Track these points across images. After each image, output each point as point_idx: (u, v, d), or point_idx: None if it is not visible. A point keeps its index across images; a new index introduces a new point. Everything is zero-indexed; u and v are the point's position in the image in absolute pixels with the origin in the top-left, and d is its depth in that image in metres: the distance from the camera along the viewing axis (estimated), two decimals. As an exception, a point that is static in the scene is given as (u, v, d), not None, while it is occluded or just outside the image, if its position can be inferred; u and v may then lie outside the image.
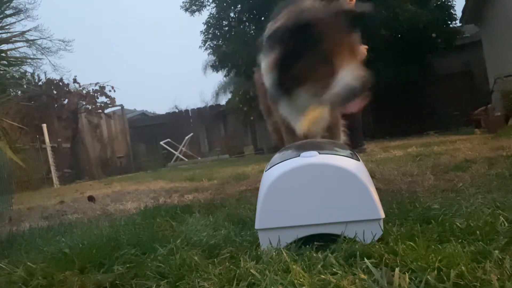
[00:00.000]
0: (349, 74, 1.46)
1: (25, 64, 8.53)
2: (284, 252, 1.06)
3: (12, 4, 6.91)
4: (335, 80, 1.46)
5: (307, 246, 1.13)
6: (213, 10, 10.52)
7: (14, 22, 7.17)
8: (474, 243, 1.02)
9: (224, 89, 18.68)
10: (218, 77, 24.34)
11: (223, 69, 10.85)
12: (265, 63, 1.66)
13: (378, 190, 1.30)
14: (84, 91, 11.75)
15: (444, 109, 10.55)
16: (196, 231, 1.49)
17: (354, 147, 4.65)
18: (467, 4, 9.35)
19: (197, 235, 1.42)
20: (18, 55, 6.70)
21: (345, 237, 1.13)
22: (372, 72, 1.44)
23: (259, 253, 1.14)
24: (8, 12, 6.53)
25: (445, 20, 9.41)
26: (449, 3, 9.52)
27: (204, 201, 2.46)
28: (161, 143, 13.60)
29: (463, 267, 0.85)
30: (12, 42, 6.35)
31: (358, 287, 0.84)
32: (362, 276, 0.87)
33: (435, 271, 0.86)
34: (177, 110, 16.16)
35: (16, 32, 6.71)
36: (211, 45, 10.63)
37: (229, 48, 9.79)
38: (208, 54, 11.04)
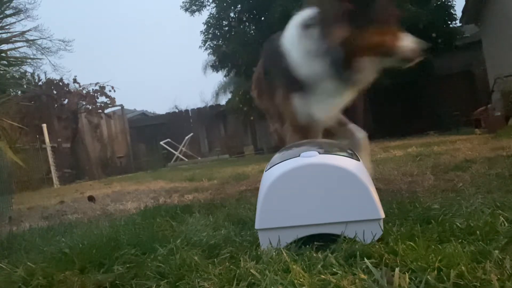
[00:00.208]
0: (409, 39, 1.61)
1: (25, 64, 8.53)
2: (284, 252, 1.06)
3: (12, 4, 6.92)
4: (399, 46, 1.59)
5: (307, 246, 1.13)
6: (213, 10, 10.52)
7: (14, 22, 7.17)
8: (474, 243, 1.02)
9: (224, 89, 18.69)
10: (218, 77, 24.35)
11: (223, 69, 10.85)
12: (326, 41, 1.58)
13: (378, 190, 1.30)
14: (84, 91, 11.76)
15: (444, 109, 10.55)
16: (196, 231, 1.49)
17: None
18: (467, 4, 9.35)
19: (197, 235, 1.42)
20: (18, 55, 6.70)
21: (345, 237, 1.13)
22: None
23: (259, 253, 1.14)
24: (8, 12, 6.53)
25: (445, 20, 9.40)
26: (449, 3, 9.51)
27: (204, 201, 2.46)
28: (161, 143, 13.60)
29: (463, 267, 0.85)
30: (12, 42, 6.36)
31: (358, 287, 0.84)
32: (362, 276, 0.87)
33: (435, 271, 0.86)
34: (177, 110, 16.18)
35: (16, 32, 6.72)
36: (211, 45, 10.63)
37: (229, 48, 9.78)
38: (208, 54, 11.05)
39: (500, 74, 7.36)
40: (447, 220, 1.25)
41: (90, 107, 11.95)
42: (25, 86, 9.37)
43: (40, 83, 11.24)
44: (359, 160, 1.30)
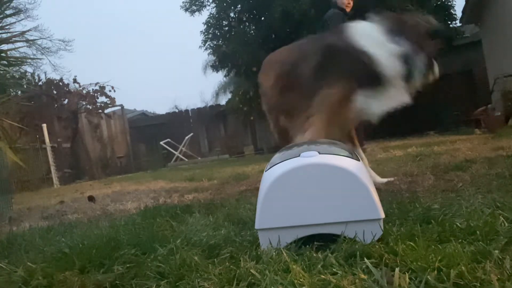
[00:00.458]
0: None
1: (25, 64, 8.53)
2: (284, 252, 1.06)
3: (12, 4, 6.91)
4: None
5: (307, 246, 1.13)
6: (213, 10, 10.52)
7: (14, 22, 7.17)
8: (474, 243, 1.02)
9: (224, 89, 18.67)
10: (218, 77, 24.33)
11: (223, 69, 10.85)
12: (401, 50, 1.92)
13: (378, 190, 1.30)
14: (84, 91, 11.75)
15: (444, 109, 10.54)
16: (196, 231, 1.49)
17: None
18: (467, 4, 9.35)
19: (197, 235, 1.42)
20: (18, 55, 6.70)
21: (345, 237, 1.13)
22: None
23: (259, 253, 1.14)
24: (8, 12, 6.53)
25: (445, 20, 9.40)
26: (449, 3, 9.51)
27: (204, 201, 2.46)
28: (161, 143, 13.59)
29: (463, 267, 0.85)
30: (12, 42, 6.35)
31: (358, 287, 0.84)
32: (362, 276, 0.87)
33: (435, 271, 0.86)
34: (177, 110, 16.15)
35: (16, 32, 6.71)
36: (211, 45, 10.63)
37: (229, 48, 9.78)
38: (208, 54, 11.04)
39: (500, 74, 7.36)
40: (447, 220, 1.25)
41: (90, 107, 11.94)
42: (25, 86, 9.36)
43: (40, 83, 11.23)
44: (359, 160, 1.30)
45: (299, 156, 1.23)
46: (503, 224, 1.14)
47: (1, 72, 5.78)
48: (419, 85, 2.09)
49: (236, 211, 1.81)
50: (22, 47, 9.90)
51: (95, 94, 11.86)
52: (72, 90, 11.64)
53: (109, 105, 12.38)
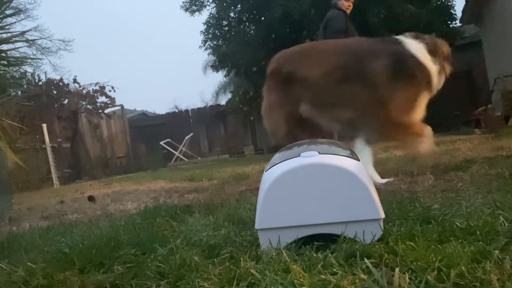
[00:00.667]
0: None
1: (25, 64, 8.53)
2: (284, 252, 1.06)
3: (12, 4, 6.92)
4: None
5: (307, 246, 1.13)
6: (213, 10, 10.52)
7: (14, 22, 7.15)
8: (474, 243, 1.02)
9: (224, 89, 18.67)
10: (218, 77, 24.32)
11: (223, 69, 10.85)
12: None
13: (378, 190, 1.30)
14: (84, 91, 11.75)
15: (444, 109, 10.54)
16: (196, 231, 1.49)
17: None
18: (467, 4, 9.34)
19: (197, 235, 1.42)
20: (18, 55, 6.70)
21: (345, 237, 1.13)
22: None
23: (259, 253, 1.14)
24: (8, 12, 6.53)
25: (445, 20, 9.40)
26: (449, 3, 9.51)
27: (204, 201, 2.46)
28: (161, 143, 13.59)
29: (463, 267, 0.85)
30: (12, 42, 6.35)
31: (358, 287, 0.84)
32: (362, 276, 0.87)
33: (435, 271, 0.86)
34: (177, 110, 16.16)
35: (16, 32, 6.71)
36: (211, 45, 10.63)
37: (229, 48, 9.78)
38: (208, 54, 11.05)
39: (500, 74, 7.36)
40: (447, 220, 1.25)
41: (90, 107, 11.94)
42: (25, 86, 9.36)
43: (40, 83, 11.23)
44: (359, 160, 1.30)
45: (299, 156, 1.23)
46: (503, 224, 1.14)
47: (1, 72, 5.79)
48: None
49: (236, 211, 1.81)
50: (22, 47, 9.88)
51: (95, 94, 11.86)
52: (72, 90, 11.64)
53: (109, 105, 12.39)
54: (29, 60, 9.25)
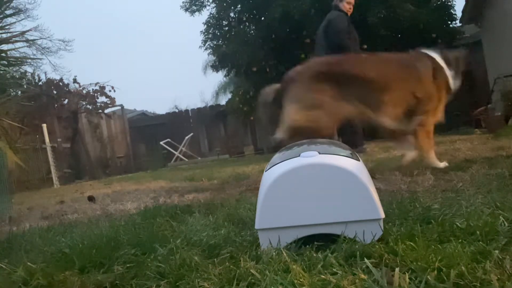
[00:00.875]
0: None
1: (25, 64, 8.53)
2: (284, 252, 1.06)
3: (12, 4, 6.92)
4: None
5: (307, 246, 1.13)
6: (213, 10, 10.52)
7: (14, 22, 7.16)
8: (474, 243, 1.02)
9: (224, 89, 18.68)
10: (218, 77, 24.34)
11: (223, 69, 10.85)
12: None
13: (378, 190, 1.31)
14: (84, 91, 11.75)
15: (444, 109, 10.53)
16: (196, 231, 1.49)
17: (355, 147, 4.72)
18: (467, 4, 9.34)
19: (197, 235, 1.42)
20: (18, 55, 6.70)
21: (345, 237, 1.13)
22: None
23: (259, 253, 1.14)
24: (8, 12, 6.53)
25: (445, 20, 9.40)
26: (449, 3, 9.50)
27: (204, 201, 2.46)
28: (161, 143, 13.59)
29: (463, 267, 0.85)
30: (12, 42, 6.36)
31: (358, 287, 0.84)
32: (362, 276, 0.87)
33: (435, 271, 0.86)
34: (177, 110, 16.16)
35: (16, 32, 6.72)
36: (211, 45, 10.63)
37: (229, 48, 9.78)
38: (208, 54, 11.04)
39: (500, 74, 7.36)
40: (447, 220, 1.25)
41: (90, 107, 11.94)
42: (25, 86, 9.36)
43: (40, 83, 11.23)
44: (359, 160, 1.30)
45: (299, 156, 1.23)
46: (503, 224, 1.14)
47: (1, 72, 5.79)
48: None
49: (236, 211, 1.81)
50: (22, 47, 9.87)
51: (95, 94, 11.86)
52: (72, 90, 11.64)
53: (109, 105, 12.38)
54: (29, 60, 9.26)
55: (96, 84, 11.82)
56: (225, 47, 10.03)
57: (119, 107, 13.34)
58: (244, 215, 1.68)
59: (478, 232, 1.08)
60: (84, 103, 11.87)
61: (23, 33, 7.30)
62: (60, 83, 11.41)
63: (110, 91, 11.96)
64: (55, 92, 11.34)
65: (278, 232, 1.16)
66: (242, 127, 13.56)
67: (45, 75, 11.55)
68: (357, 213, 1.14)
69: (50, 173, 9.28)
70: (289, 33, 9.33)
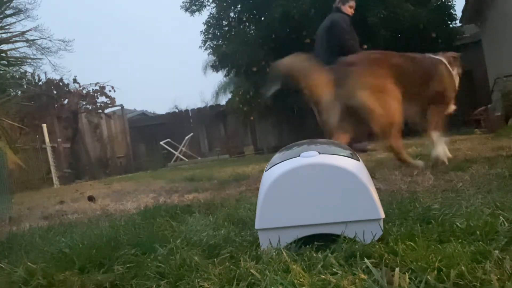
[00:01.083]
0: None
1: (25, 64, 8.53)
2: (284, 252, 1.06)
3: (12, 4, 6.92)
4: None
5: (307, 246, 1.13)
6: (213, 10, 10.52)
7: (14, 22, 7.16)
8: (474, 243, 1.02)
9: (224, 89, 18.68)
10: (218, 77, 24.36)
11: (223, 69, 10.85)
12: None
13: (378, 190, 1.31)
14: (84, 91, 11.75)
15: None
16: (196, 231, 1.49)
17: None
18: (467, 4, 9.34)
19: (197, 235, 1.42)
20: (18, 55, 6.70)
21: (345, 237, 1.13)
22: None
23: (259, 253, 1.14)
24: (8, 12, 6.53)
25: (445, 20, 9.40)
26: (449, 3, 9.50)
27: (204, 201, 2.46)
28: (161, 143, 13.59)
29: (463, 267, 0.85)
30: (12, 42, 6.36)
31: (358, 287, 0.84)
32: (362, 276, 0.87)
33: (435, 271, 0.86)
34: (177, 110, 16.16)
35: (16, 32, 6.72)
36: (211, 45, 10.63)
37: (229, 48, 9.78)
38: (208, 54, 11.05)
39: (500, 74, 7.36)
40: (447, 220, 1.25)
41: (90, 107, 11.94)
42: (25, 86, 9.36)
43: (40, 83, 11.23)
44: (359, 160, 1.30)
45: (299, 156, 1.23)
46: (503, 224, 1.14)
47: (1, 72, 5.79)
48: None
49: (236, 211, 1.81)
50: (22, 47, 9.88)
51: (95, 94, 11.86)
52: (72, 90, 11.64)
53: (109, 105, 12.38)
54: (29, 60, 9.26)
55: (96, 84, 11.83)
56: (225, 47, 10.03)
57: (119, 107, 13.34)
58: (244, 215, 1.68)
59: (478, 232, 1.08)
60: (84, 103, 11.86)
61: (23, 33, 7.30)
62: (60, 83, 11.41)
63: (110, 91, 11.97)
64: (55, 92, 11.33)
65: (278, 232, 1.16)
66: (242, 127, 13.56)
67: (45, 75, 11.57)
68: (357, 213, 1.14)
69: (50, 173, 9.28)
70: (289, 33, 9.33)
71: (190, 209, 2.09)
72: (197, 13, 10.66)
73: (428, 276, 0.83)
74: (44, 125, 9.58)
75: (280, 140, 12.49)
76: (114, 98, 12.19)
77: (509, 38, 7.43)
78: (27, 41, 8.36)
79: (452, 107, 3.15)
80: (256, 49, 9.56)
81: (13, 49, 6.37)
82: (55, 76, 12.80)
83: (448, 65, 3.03)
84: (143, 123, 15.63)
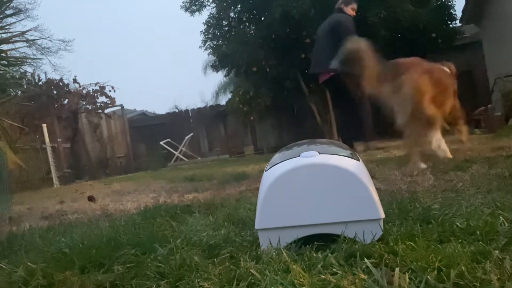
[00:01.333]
0: None
1: (25, 64, 8.52)
2: (284, 252, 1.06)
3: (12, 4, 6.92)
4: None
5: (307, 246, 1.13)
6: (213, 10, 10.51)
7: (14, 22, 7.15)
8: (474, 243, 1.02)
9: (224, 89, 18.68)
10: (218, 77, 24.38)
11: (223, 69, 10.85)
12: None
13: (378, 190, 1.31)
14: (84, 91, 11.75)
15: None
16: (196, 231, 1.49)
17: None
18: (467, 4, 9.34)
19: (197, 235, 1.42)
20: (18, 55, 6.70)
21: (345, 237, 1.13)
22: None
23: (259, 253, 1.14)
24: (8, 12, 6.53)
25: (445, 20, 9.39)
26: (449, 3, 9.49)
27: (204, 201, 2.46)
28: (161, 143, 13.59)
29: (463, 267, 0.85)
30: (12, 42, 6.36)
31: (358, 287, 0.84)
32: (362, 276, 0.87)
33: (435, 271, 0.86)
34: (177, 110, 16.14)
35: (16, 32, 6.72)
36: (211, 45, 10.62)
37: (229, 48, 9.78)
38: (208, 54, 11.04)
39: (500, 74, 7.36)
40: (447, 220, 1.25)
41: (90, 107, 11.94)
42: (25, 86, 9.35)
43: (40, 83, 11.22)
44: (359, 160, 1.30)
45: (299, 156, 1.23)
46: (503, 224, 1.14)
47: (1, 72, 5.78)
48: None
49: (236, 211, 1.81)
50: (22, 47, 9.88)
51: (95, 94, 11.86)
52: (72, 90, 11.63)
53: (109, 105, 12.38)
54: (29, 60, 9.25)
55: (96, 84, 11.83)
56: (225, 47, 10.02)
57: (119, 107, 13.34)
58: (244, 215, 1.68)
59: (478, 232, 1.08)
60: (84, 103, 11.86)
61: (23, 33, 7.29)
62: (60, 83, 11.40)
63: (110, 91, 11.97)
64: (55, 92, 11.33)
65: (278, 232, 1.16)
66: (242, 127, 13.57)
67: (45, 75, 11.56)
68: (357, 213, 1.14)
69: (50, 173, 9.28)
70: (289, 33, 9.33)
71: (190, 209, 2.09)
72: (197, 13, 10.65)
73: (428, 276, 0.83)
74: (44, 125, 9.58)
75: (280, 140, 12.50)
76: (114, 98, 12.20)
77: (509, 38, 7.43)
78: (27, 41, 8.35)
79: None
80: (256, 49, 9.56)
81: (13, 49, 6.37)
82: (55, 76, 12.82)
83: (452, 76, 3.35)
84: (143, 123, 15.63)
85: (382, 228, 1.15)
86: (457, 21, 9.85)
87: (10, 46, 6.20)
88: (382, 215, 1.14)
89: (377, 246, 1.05)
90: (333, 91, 5.70)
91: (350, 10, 5.16)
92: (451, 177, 2.16)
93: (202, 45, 10.68)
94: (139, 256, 1.25)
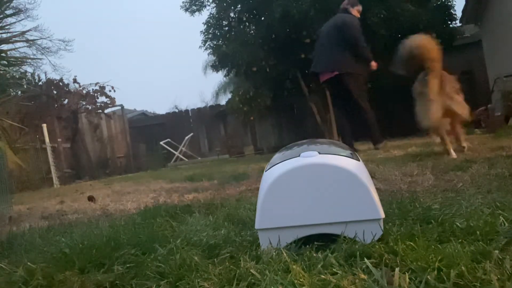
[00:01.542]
0: None
1: (25, 64, 8.53)
2: (284, 252, 1.06)
3: (12, 4, 6.91)
4: None
5: (307, 246, 1.13)
6: (213, 10, 10.50)
7: (14, 22, 7.17)
8: (474, 243, 1.02)
9: (224, 89, 18.67)
10: (218, 77, 24.39)
11: (223, 69, 10.83)
12: None
13: (378, 190, 1.31)
14: (84, 91, 11.75)
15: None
16: (196, 231, 1.49)
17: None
18: (467, 4, 9.34)
19: (197, 235, 1.42)
20: (18, 55, 6.70)
21: (345, 237, 1.13)
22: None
23: (259, 253, 1.14)
24: (8, 12, 6.53)
25: (445, 20, 9.39)
26: (449, 3, 9.48)
27: (204, 201, 2.46)
28: (161, 143, 13.59)
29: (463, 267, 0.85)
30: (12, 42, 6.36)
31: (358, 287, 0.84)
32: (362, 276, 0.87)
33: (435, 271, 0.86)
34: (177, 110, 16.13)
35: (16, 32, 6.72)
36: (211, 45, 10.62)
37: (229, 48, 9.77)
38: (208, 54, 11.02)
39: (500, 74, 7.36)
40: (447, 220, 1.25)
41: (90, 107, 11.94)
42: (25, 86, 9.35)
43: (40, 83, 11.22)
44: (359, 160, 1.30)
45: (299, 156, 1.23)
46: (503, 224, 1.14)
47: (1, 72, 5.78)
48: None
49: (236, 211, 1.81)
50: (22, 47, 9.87)
51: (95, 94, 11.86)
52: (72, 90, 11.63)
53: (109, 105, 12.38)
54: (29, 60, 9.25)
55: (96, 84, 11.83)
56: (225, 47, 10.02)
57: (119, 107, 13.33)
58: (244, 215, 1.68)
59: (478, 232, 1.08)
60: (84, 103, 11.86)
61: (23, 33, 7.29)
62: (60, 83, 11.40)
63: (110, 91, 11.97)
64: (55, 92, 11.32)
65: (278, 232, 1.16)
66: (242, 127, 13.56)
67: (45, 75, 11.55)
68: (357, 213, 1.14)
69: (50, 173, 9.28)
70: (289, 33, 9.32)
71: (190, 209, 2.09)
72: (197, 13, 10.64)
73: (428, 276, 0.83)
74: (44, 125, 9.58)
75: (280, 140, 12.50)
76: (114, 98, 12.20)
77: (509, 38, 7.43)
78: (27, 41, 8.35)
79: None
80: (256, 49, 9.55)
81: (13, 49, 6.37)
82: (55, 76, 12.82)
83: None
84: (143, 123, 15.63)
85: (382, 228, 1.15)
86: (457, 21, 9.85)
87: (10, 46, 6.20)
88: (382, 215, 1.14)
89: (377, 246, 1.05)
90: (334, 91, 5.70)
91: (356, 11, 5.15)
92: (451, 177, 2.17)
93: (202, 45, 10.67)
94: (139, 256, 1.25)
